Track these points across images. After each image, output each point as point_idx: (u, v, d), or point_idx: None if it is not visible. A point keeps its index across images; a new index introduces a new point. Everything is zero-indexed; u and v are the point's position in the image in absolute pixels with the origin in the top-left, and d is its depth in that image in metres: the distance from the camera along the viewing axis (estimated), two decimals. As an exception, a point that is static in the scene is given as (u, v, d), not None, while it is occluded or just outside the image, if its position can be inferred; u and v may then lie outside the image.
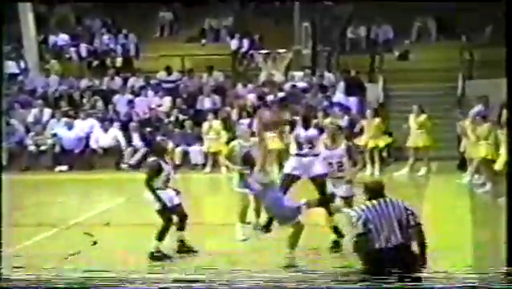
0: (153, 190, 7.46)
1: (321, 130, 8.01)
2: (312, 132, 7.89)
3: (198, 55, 18.75)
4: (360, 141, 13.49)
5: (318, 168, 7.70)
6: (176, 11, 21.27)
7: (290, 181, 7.79)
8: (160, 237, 7.42)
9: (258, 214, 8.18)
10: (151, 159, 7.76)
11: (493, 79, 15.63)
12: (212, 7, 20.63)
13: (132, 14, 20.34)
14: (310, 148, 7.78)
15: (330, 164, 7.64)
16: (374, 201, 5.65)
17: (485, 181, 11.20)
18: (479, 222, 9.08)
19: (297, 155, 7.87)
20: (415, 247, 5.67)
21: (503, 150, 10.20)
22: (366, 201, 5.73)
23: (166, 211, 7.47)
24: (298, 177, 7.84)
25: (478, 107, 13.18)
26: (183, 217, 7.61)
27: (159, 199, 7.44)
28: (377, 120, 13.82)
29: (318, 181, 7.66)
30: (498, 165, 10.26)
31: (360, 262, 5.70)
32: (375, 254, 5.47)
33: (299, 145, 7.84)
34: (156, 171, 7.52)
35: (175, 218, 7.57)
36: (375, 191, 5.73)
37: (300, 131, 7.92)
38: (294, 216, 6.75)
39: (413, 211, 5.67)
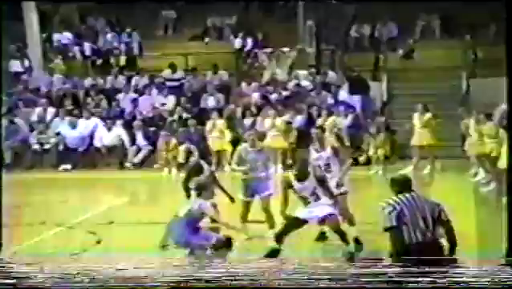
0: (187, 190, 7.50)
1: (321, 181, 7.38)
2: (310, 183, 7.32)
3: (202, 54, 18.76)
4: (369, 151, 13.64)
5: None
6: (180, 10, 21.26)
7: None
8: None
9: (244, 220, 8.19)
10: (193, 159, 7.82)
11: (497, 77, 15.61)
12: (215, 5, 20.62)
13: (136, 12, 20.33)
14: (315, 199, 7.27)
15: (318, 166, 7.78)
16: (407, 195, 5.45)
17: (490, 179, 11.19)
18: (484, 221, 9.07)
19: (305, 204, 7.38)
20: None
21: (506, 148, 10.17)
22: (397, 194, 5.51)
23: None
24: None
25: (504, 105, 13.11)
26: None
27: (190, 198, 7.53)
28: (382, 134, 13.84)
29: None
30: (502, 163, 10.23)
31: (392, 256, 5.47)
32: (411, 248, 5.29)
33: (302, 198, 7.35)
34: (196, 172, 7.59)
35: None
36: (403, 185, 5.54)
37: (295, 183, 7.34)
38: (206, 245, 6.56)
39: (443, 207, 5.52)
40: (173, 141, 14.45)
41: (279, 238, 7.22)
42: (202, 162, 7.82)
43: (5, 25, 15.89)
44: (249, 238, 8.03)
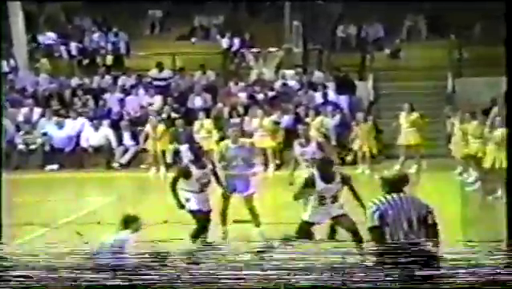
0: (174, 190, 7.49)
1: (347, 181, 7.25)
2: (335, 185, 7.16)
3: (189, 54, 18.74)
4: (354, 145, 13.68)
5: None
6: (167, 9, 21.22)
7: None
8: (194, 236, 7.42)
9: (224, 221, 8.10)
10: (185, 161, 7.74)
11: (482, 77, 15.79)
12: (202, 5, 20.61)
13: (122, 12, 20.27)
14: (332, 201, 7.19)
15: (306, 160, 8.00)
16: (394, 195, 5.37)
17: (475, 178, 11.28)
18: (470, 219, 9.15)
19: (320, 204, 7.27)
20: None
21: (491, 147, 10.28)
22: (385, 194, 5.43)
23: (192, 213, 7.49)
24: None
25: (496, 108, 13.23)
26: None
27: (177, 199, 7.49)
28: (369, 123, 13.95)
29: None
30: (487, 163, 10.34)
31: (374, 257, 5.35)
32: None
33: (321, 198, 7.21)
34: (183, 174, 7.53)
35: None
36: (393, 185, 5.44)
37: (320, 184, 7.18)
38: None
39: (432, 210, 5.42)
40: (161, 127, 14.51)
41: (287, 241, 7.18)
42: (190, 165, 7.61)
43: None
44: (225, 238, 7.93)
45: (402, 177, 5.65)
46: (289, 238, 7.16)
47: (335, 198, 7.13)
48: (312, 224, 7.27)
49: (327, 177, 7.10)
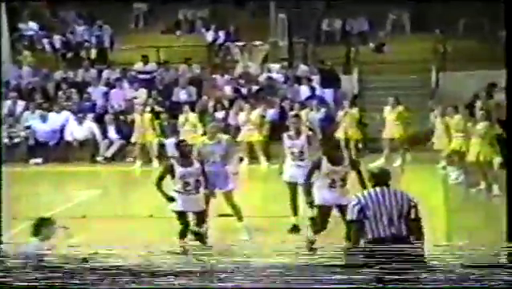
0: (160, 188, 7.29)
1: (355, 166, 7.21)
2: (343, 168, 7.15)
3: (173, 47, 18.67)
4: (338, 133, 13.74)
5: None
6: (151, 2, 21.10)
7: None
8: (180, 234, 7.33)
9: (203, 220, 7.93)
10: (170, 159, 7.47)
11: (466, 71, 15.90)
12: (187, -2, 20.54)
13: (107, 5, 20.12)
14: (341, 185, 7.14)
15: (292, 153, 8.03)
16: (377, 189, 5.42)
17: (457, 175, 11.38)
18: (453, 212, 9.25)
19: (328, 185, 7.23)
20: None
21: (474, 141, 10.38)
22: (369, 188, 5.51)
23: (176, 213, 7.34)
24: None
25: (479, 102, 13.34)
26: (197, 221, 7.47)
27: (164, 195, 7.31)
28: (354, 110, 14.09)
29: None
30: (471, 156, 10.43)
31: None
32: (371, 244, 5.22)
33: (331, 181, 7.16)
34: (168, 171, 7.31)
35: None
36: (379, 178, 5.50)
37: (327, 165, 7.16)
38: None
39: (416, 204, 5.44)
40: (148, 116, 14.47)
41: (318, 232, 7.15)
42: (175, 162, 7.38)
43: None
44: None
45: (386, 171, 5.68)
46: (315, 224, 7.20)
47: (343, 181, 7.09)
48: (328, 207, 7.13)
49: (335, 160, 7.07)
